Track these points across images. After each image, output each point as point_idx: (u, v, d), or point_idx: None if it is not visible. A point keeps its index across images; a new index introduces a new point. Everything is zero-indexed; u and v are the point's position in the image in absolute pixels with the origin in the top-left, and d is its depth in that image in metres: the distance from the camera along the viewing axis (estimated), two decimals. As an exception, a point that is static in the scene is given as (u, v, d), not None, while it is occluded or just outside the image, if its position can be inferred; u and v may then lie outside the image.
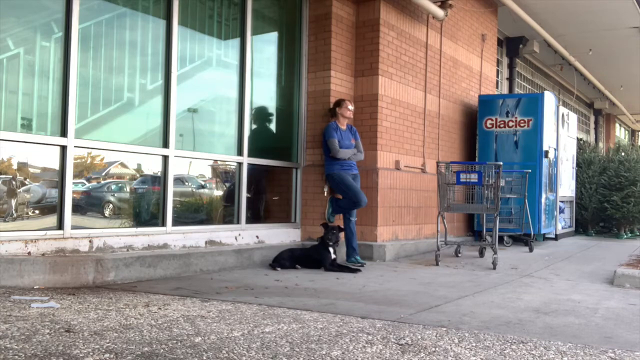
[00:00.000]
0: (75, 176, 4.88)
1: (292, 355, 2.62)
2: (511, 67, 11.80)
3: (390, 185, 7.02)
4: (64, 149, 4.79)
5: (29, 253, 4.44)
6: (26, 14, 4.78)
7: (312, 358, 2.60)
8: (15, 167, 4.70)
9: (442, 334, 3.10)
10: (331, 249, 5.81)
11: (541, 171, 8.37)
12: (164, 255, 5.04)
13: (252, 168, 6.52)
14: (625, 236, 10.73)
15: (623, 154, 11.34)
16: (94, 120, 5.22)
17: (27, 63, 4.81)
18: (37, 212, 4.86)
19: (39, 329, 2.93)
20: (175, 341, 2.80)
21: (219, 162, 6.40)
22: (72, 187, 4.82)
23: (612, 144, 18.18)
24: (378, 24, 7.03)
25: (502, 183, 6.65)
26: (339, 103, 6.46)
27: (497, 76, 11.10)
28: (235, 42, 6.48)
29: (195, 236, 5.75)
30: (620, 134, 22.72)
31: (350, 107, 6.46)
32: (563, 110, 9.44)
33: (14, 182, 4.74)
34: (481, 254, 7.09)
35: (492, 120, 8.70)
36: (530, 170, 7.98)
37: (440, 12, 7.65)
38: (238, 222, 6.34)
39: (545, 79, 14.53)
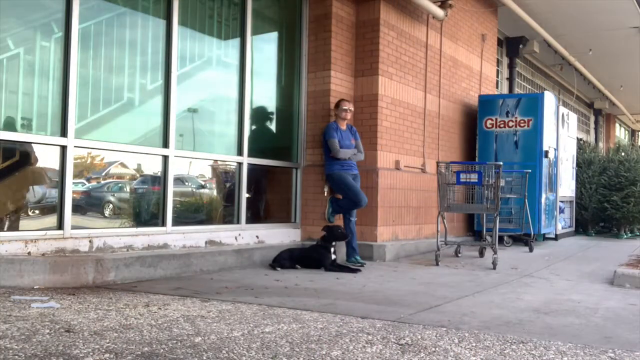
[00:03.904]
0: (75, 176, 4.88)
1: (292, 355, 2.62)
2: (511, 67, 11.79)
3: (390, 185, 7.02)
4: (64, 149, 4.79)
5: (29, 253, 4.44)
6: (26, 14, 4.78)
7: (312, 358, 2.60)
8: (15, 167, 4.70)
9: (442, 334, 3.10)
10: (331, 249, 5.81)
11: (541, 171, 8.37)
12: (164, 255, 5.04)
13: (252, 168, 6.52)
14: (625, 236, 10.73)
15: (623, 154, 11.34)
16: (94, 120, 5.22)
17: (27, 63, 4.81)
18: (37, 212, 4.86)
19: (39, 329, 2.93)
20: (175, 341, 2.80)
21: (219, 162, 6.39)
22: (72, 187, 4.82)
23: (612, 144, 18.18)
24: (378, 24, 7.03)
25: (502, 183, 6.64)
26: (337, 104, 6.47)
27: (497, 76, 11.10)
28: (235, 42, 6.48)
29: (195, 236, 5.75)
30: (620, 134, 22.72)
31: (345, 107, 6.41)
32: (563, 110, 9.44)
33: (14, 182, 4.74)
34: (481, 254, 7.09)
35: (492, 120, 8.69)
36: (530, 170, 7.98)
37: (440, 12, 7.65)
38: (238, 222, 6.33)
39: (545, 79, 14.53)
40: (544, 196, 8.46)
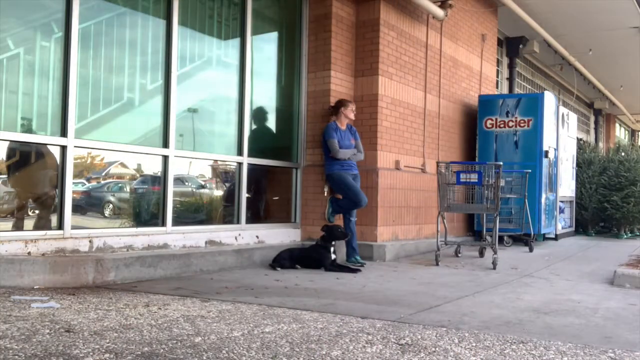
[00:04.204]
0: (75, 176, 4.88)
1: (292, 355, 2.62)
2: (511, 67, 11.79)
3: (390, 185, 7.02)
4: (64, 148, 4.79)
5: (29, 253, 4.44)
6: (26, 14, 4.78)
7: (312, 358, 2.60)
8: (15, 167, 4.70)
9: (442, 334, 3.10)
10: (331, 249, 5.81)
11: (541, 171, 8.36)
12: (164, 255, 5.04)
13: (252, 168, 6.52)
14: (625, 236, 10.73)
15: (623, 154, 11.34)
16: (94, 120, 5.22)
17: (27, 63, 4.81)
18: (37, 212, 4.85)
19: (39, 329, 2.93)
20: (175, 341, 2.80)
21: (219, 162, 6.39)
22: (72, 187, 4.82)
23: (612, 144, 18.18)
24: (378, 24, 7.03)
25: (502, 183, 6.64)
26: (345, 103, 6.44)
27: (497, 76, 11.10)
28: (235, 42, 6.48)
29: (195, 236, 5.75)
30: (620, 134, 22.71)
31: (354, 107, 6.49)
32: (563, 110, 9.44)
33: (14, 182, 4.74)
34: (481, 254, 7.09)
35: (492, 120, 8.69)
36: (530, 170, 7.97)
37: (440, 12, 7.65)
38: (238, 222, 6.33)
39: (545, 79, 14.53)
40: (544, 196, 8.46)
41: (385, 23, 7.09)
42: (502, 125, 8.62)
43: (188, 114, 5.99)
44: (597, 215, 10.95)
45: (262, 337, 2.92)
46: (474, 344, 2.91)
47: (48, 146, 4.78)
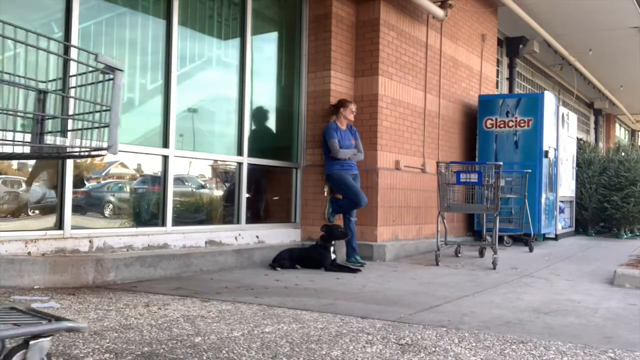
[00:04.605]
0: (75, 176, 4.88)
1: (292, 355, 2.62)
2: (511, 67, 11.80)
3: (390, 185, 7.02)
4: (64, 149, 4.78)
5: (29, 253, 4.44)
6: (26, 14, 4.78)
7: (312, 358, 2.60)
8: (15, 167, 4.70)
9: (442, 334, 3.10)
10: (331, 249, 5.81)
11: (541, 171, 8.37)
12: (164, 255, 5.04)
13: (252, 168, 6.52)
14: (625, 236, 10.73)
15: (623, 154, 11.34)
16: (94, 120, 5.21)
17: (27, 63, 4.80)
18: (37, 212, 4.85)
19: (39, 329, 2.93)
20: (175, 341, 2.80)
21: (219, 162, 6.39)
22: (72, 187, 4.82)
23: (612, 144, 18.18)
24: (378, 24, 7.03)
25: (502, 183, 6.64)
26: (344, 104, 6.44)
27: (497, 76, 11.10)
28: (235, 42, 6.48)
29: (195, 236, 5.75)
30: (620, 134, 22.72)
31: (354, 108, 6.49)
32: (563, 110, 9.44)
33: (14, 182, 4.74)
34: (481, 254, 7.09)
35: (492, 120, 8.70)
36: (530, 170, 7.98)
37: (440, 12, 7.65)
38: (238, 222, 6.33)
39: (545, 79, 14.53)
40: (544, 196, 8.47)
41: (385, 23, 7.09)
42: (502, 125, 8.62)
43: (188, 114, 5.99)
44: (597, 215, 10.95)
45: (262, 337, 2.92)
46: (474, 344, 2.91)
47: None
